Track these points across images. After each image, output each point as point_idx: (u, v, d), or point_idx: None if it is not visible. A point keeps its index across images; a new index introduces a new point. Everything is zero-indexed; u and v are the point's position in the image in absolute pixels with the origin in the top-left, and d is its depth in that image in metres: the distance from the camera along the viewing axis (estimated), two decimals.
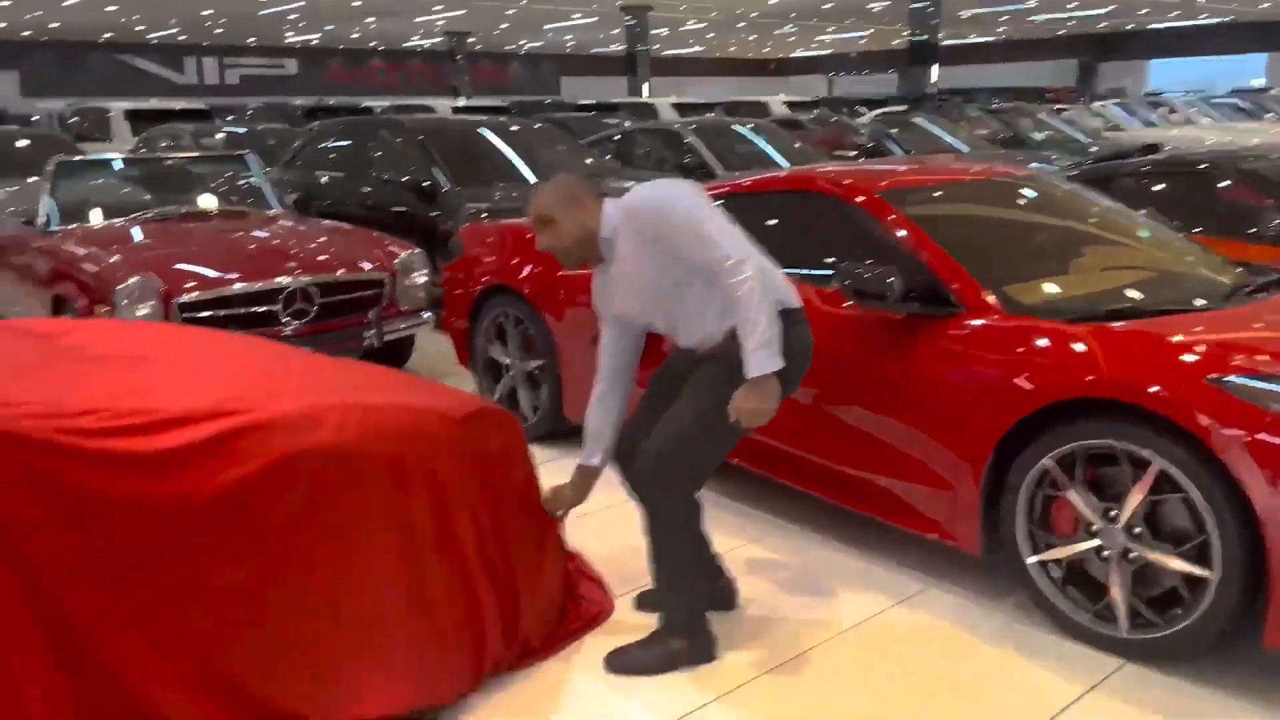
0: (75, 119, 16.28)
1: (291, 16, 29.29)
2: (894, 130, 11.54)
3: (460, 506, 2.48)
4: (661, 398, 2.78)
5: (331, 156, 8.35)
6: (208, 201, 6.08)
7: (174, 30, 32.23)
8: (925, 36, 22.68)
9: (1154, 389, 2.51)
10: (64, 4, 25.43)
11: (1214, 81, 31.08)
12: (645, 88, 25.35)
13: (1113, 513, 2.65)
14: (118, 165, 6.38)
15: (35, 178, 9.24)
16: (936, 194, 3.66)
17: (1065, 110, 15.86)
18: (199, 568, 2.08)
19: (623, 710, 2.55)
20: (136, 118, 15.08)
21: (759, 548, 3.43)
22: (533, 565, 2.69)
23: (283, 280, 4.90)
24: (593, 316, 4.14)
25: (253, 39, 34.62)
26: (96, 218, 5.66)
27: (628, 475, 2.81)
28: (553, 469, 3.17)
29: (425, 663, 2.39)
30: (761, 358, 2.46)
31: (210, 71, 34.85)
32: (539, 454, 2.99)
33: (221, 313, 4.71)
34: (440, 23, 31.62)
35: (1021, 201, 3.89)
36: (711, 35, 37.95)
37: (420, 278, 5.47)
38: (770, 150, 9.48)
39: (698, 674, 2.68)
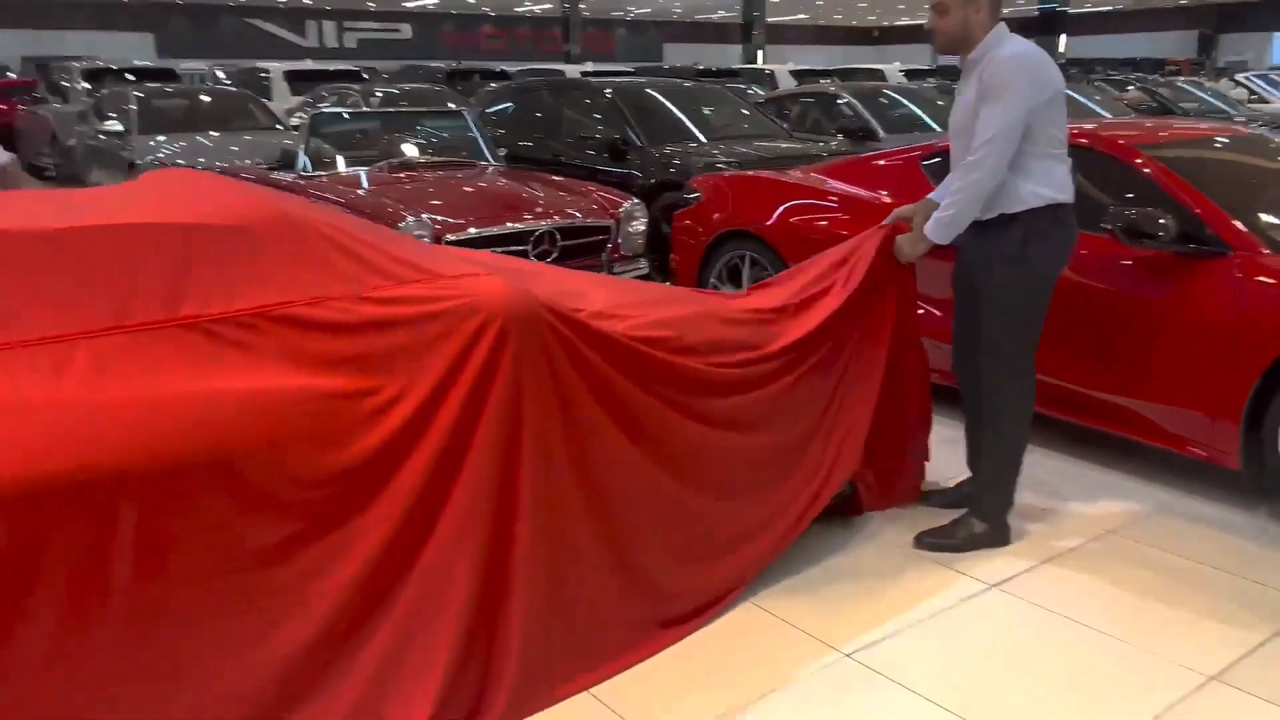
0: (229, 80, 17.17)
1: None
2: None
3: (826, 382, 3.01)
4: (966, 300, 3.17)
5: (513, 115, 8.89)
6: (438, 153, 6.68)
7: None
8: (1054, 3, 22.27)
9: None
10: None
11: None
12: (760, 54, 25.49)
13: None
14: (352, 120, 7.01)
15: (216, 132, 10.12)
16: (1180, 146, 3.99)
17: (1193, 82, 15.63)
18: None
19: (938, 572, 3.01)
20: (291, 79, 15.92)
21: None
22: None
23: (532, 224, 5.43)
24: None
25: (371, 3, 35.56)
26: (343, 165, 6.29)
27: (961, 376, 3.29)
28: None
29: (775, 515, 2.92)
30: (939, 225, 2.94)
31: (330, 35, 35.99)
32: None
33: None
34: None
35: (1255, 154, 4.18)
36: (821, 2, 37.65)
37: (640, 225, 5.96)
38: (921, 114, 9.74)
39: (998, 551, 3.14)
